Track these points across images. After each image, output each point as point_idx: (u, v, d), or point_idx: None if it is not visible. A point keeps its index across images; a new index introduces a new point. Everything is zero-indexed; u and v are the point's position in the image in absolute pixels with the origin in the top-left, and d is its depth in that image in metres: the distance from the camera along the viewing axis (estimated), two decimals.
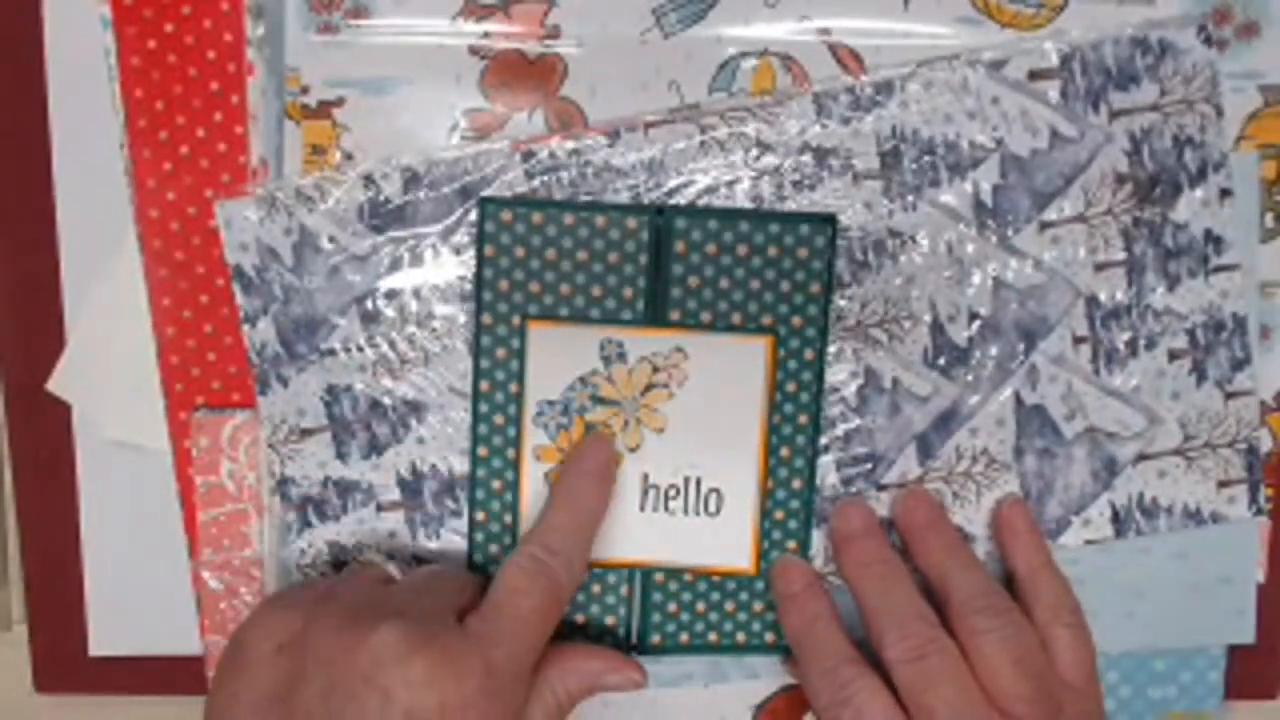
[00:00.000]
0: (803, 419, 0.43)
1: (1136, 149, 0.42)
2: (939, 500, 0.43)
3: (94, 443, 0.45)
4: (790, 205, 0.42)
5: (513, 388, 0.43)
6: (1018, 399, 0.43)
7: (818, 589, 0.42)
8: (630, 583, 0.44)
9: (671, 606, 0.44)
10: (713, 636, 0.44)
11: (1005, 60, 0.42)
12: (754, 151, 0.42)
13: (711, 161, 0.42)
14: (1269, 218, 0.44)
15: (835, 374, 0.43)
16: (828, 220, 0.42)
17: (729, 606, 0.44)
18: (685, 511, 0.43)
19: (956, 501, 0.44)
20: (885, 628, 0.39)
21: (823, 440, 0.43)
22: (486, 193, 0.42)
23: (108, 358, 0.44)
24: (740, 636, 0.44)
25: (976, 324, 0.43)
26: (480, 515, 0.43)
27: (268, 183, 0.42)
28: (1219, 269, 0.43)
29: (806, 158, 0.42)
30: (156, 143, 0.42)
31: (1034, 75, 0.42)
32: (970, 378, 0.43)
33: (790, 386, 0.43)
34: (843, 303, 0.43)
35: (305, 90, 0.42)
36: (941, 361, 0.43)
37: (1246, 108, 0.43)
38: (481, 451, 0.43)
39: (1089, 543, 0.44)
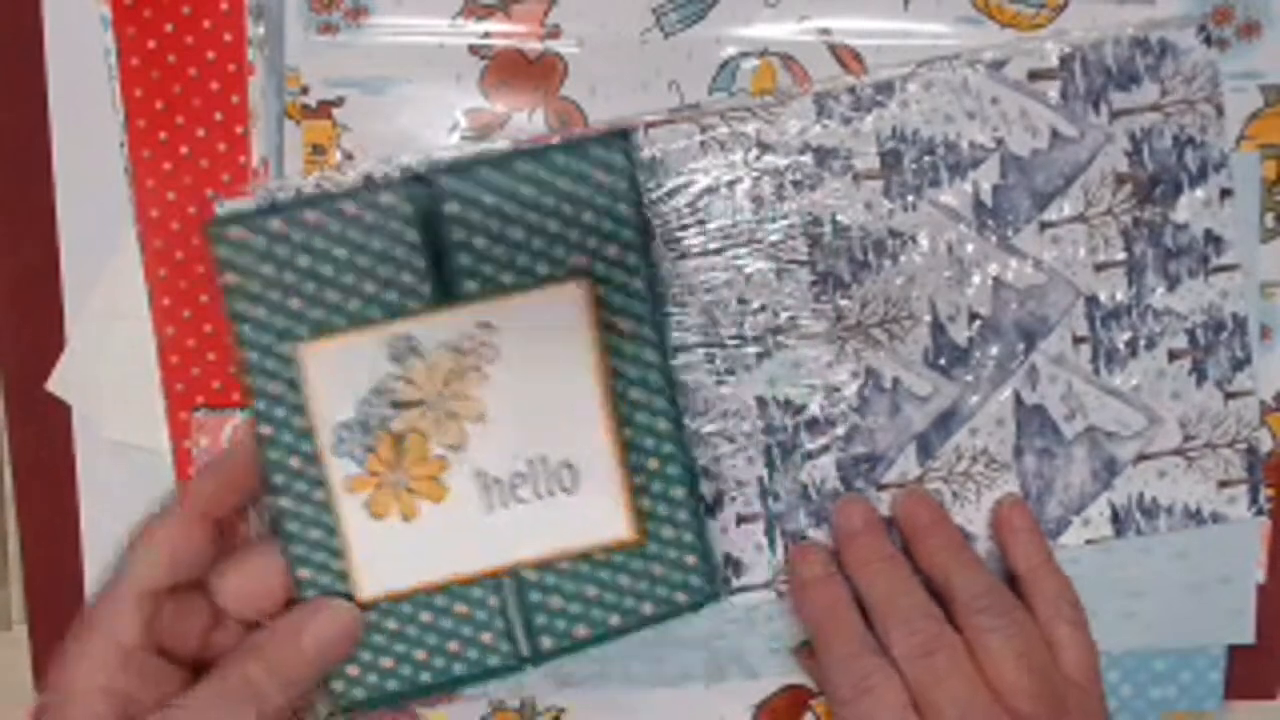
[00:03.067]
0: (648, 355, 0.38)
1: (1137, 149, 0.42)
2: (939, 501, 0.43)
3: (94, 443, 0.45)
4: (790, 205, 0.42)
5: (298, 423, 0.38)
6: (1018, 399, 0.43)
7: (837, 575, 0.42)
8: (498, 592, 0.39)
9: (554, 602, 0.39)
10: (614, 619, 0.40)
11: (1005, 60, 0.42)
12: (754, 151, 0.42)
13: (712, 161, 0.42)
14: (1269, 218, 0.44)
15: (836, 374, 0.43)
16: (621, 135, 0.38)
17: (622, 582, 0.39)
18: (538, 496, 0.39)
19: (956, 501, 0.44)
20: (891, 624, 0.39)
21: (822, 440, 0.43)
22: (220, 211, 0.38)
23: (108, 358, 0.44)
24: (647, 608, 0.40)
25: (976, 324, 0.43)
26: (304, 573, 0.38)
27: (268, 183, 0.42)
28: (1219, 269, 0.43)
29: (807, 158, 0.42)
30: (156, 143, 0.42)
31: (1034, 75, 0.42)
32: (970, 378, 0.43)
33: (624, 324, 0.38)
34: (843, 303, 0.43)
35: (305, 90, 0.42)
36: (941, 361, 0.43)
37: (1247, 108, 0.43)
38: (284, 503, 0.38)
39: (1089, 542, 0.44)
